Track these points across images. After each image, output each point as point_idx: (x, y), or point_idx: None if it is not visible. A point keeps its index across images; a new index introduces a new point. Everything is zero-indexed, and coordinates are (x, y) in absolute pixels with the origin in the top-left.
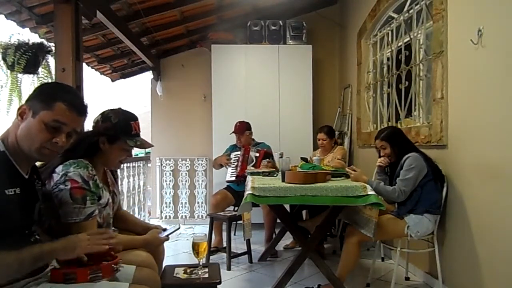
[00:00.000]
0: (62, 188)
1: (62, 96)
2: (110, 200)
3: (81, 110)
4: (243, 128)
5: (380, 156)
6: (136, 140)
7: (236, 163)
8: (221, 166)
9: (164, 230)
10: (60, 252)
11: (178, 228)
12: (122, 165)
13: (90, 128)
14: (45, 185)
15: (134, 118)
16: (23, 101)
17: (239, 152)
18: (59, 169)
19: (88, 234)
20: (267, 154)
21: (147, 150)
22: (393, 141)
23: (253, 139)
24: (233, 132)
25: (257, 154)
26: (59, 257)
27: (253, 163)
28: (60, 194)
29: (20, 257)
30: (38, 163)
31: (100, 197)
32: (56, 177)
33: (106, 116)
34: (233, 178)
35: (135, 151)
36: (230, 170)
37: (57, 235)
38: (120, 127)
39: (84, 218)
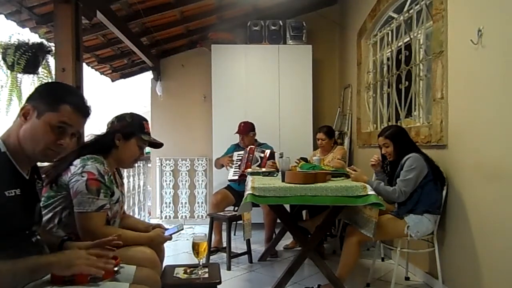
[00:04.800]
0: (79, 179)
1: (68, 98)
2: (121, 199)
3: (86, 112)
4: (247, 129)
5: (382, 153)
6: (149, 137)
7: (239, 163)
8: (223, 166)
9: (166, 229)
10: (55, 267)
11: (181, 229)
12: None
13: (92, 130)
14: (62, 176)
15: (145, 119)
16: (23, 101)
17: (242, 152)
18: (77, 162)
19: (88, 252)
20: (272, 155)
21: (147, 150)
22: (397, 140)
23: (256, 140)
24: (237, 133)
25: (262, 155)
26: (54, 272)
27: (258, 163)
28: (76, 184)
29: (14, 267)
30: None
31: (113, 193)
32: (73, 169)
33: (121, 117)
34: (236, 177)
35: None
36: (232, 169)
37: (68, 227)
38: (135, 125)
39: (95, 209)
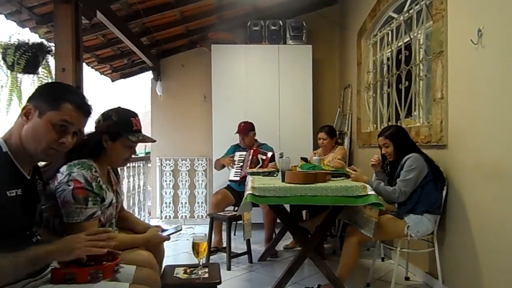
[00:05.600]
0: (65, 188)
1: (69, 97)
2: (114, 200)
3: (87, 111)
4: (247, 129)
5: (382, 153)
6: (138, 135)
7: (241, 164)
8: (223, 167)
9: (164, 230)
10: (56, 255)
11: (180, 230)
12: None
13: (92, 129)
14: (49, 184)
15: (134, 114)
16: (23, 101)
17: (244, 153)
18: (63, 169)
19: (87, 235)
20: (273, 157)
21: (147, 149)
22: (397, 140)
23: (256, 140)
24: (237, 133)
25: (264, 157)
26: (55, 260)
27: (259, 165)
28: (63, 194)
29: (16, 260)
30: (40, 163)
31: (104, 199)
32: (60, 176)
33: (106, 115)
34: (237, 178)
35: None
36: (234, 169)
37: (61, 235)
38: (121, 124)
39: (85, 219)
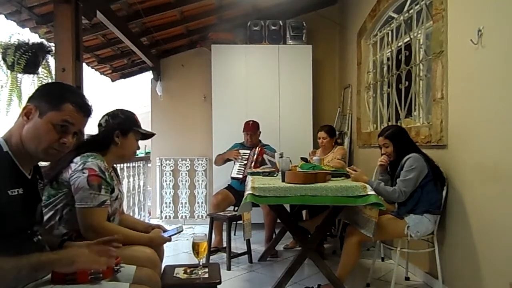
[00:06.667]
0: (80, 175)
1: (70, 97)
2: (119, 196)
3: (88, 111)
4: (256, 127)
5: (382, 153)
6: (144, 129)
7: (245, 161)
8: (225, 162)
9: (165, 231)
10: (57, 265)
11: (181, 231)
12: (122, 165)
13: (91, 130)
14: (62, 173)
15: (133, 113)
16: (23, 101)
17: (248, 151)
18: (77, 159)
19: (89, 248)
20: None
21: (147, 150)
22: (396, 140)
23: (260, 140)
24: (245, 131)
25: (274, 160)
26: (56, 269)
27: (265, 166)
28: (78, 180)
29: (18, 265)
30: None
31: (113, 189)
32: (74, 166)
33: (113, 115)
34: (240, 176)
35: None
36: (237, 167)
37: (68, 223)
38: (130, 120)
39: (97, 205)
